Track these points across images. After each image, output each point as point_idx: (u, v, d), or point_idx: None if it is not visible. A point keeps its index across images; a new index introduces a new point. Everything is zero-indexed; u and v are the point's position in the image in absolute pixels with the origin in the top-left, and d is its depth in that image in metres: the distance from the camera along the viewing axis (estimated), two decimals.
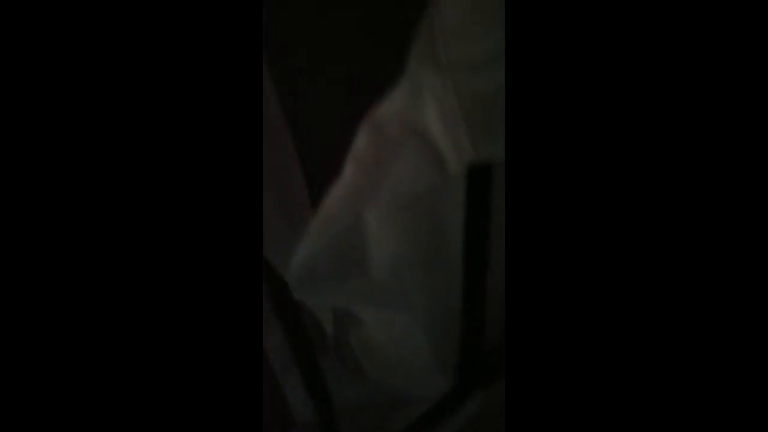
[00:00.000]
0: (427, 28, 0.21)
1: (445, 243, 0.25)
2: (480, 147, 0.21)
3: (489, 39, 0.21)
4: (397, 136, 0.22)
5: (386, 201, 0.23)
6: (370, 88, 0.22)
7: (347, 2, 0.22)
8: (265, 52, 0.22)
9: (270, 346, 0.29)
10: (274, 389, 0.31)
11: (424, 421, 0.30)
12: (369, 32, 0.23)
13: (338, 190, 0.22)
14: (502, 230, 0.24)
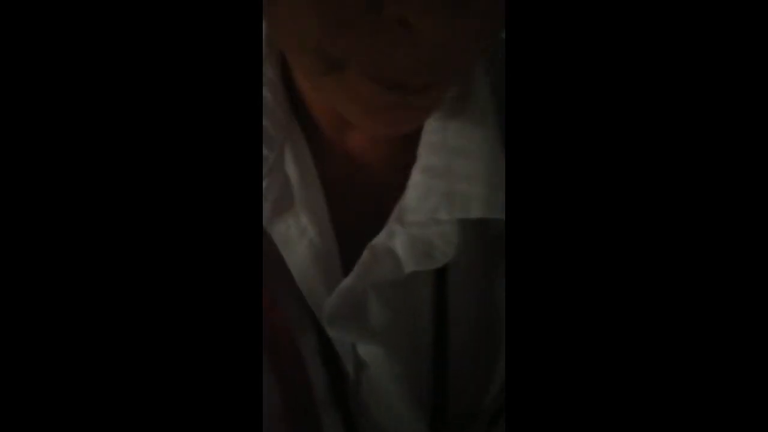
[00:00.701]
0: (398, 205, 0.36)
1: (418, 313, 0.37)
2: (418, 261, 0.35)
3: (427, 209, 0.35)
4: (382, 253, 0.35)
5: (377, 282, 0.35)
6: (371, 233, 0.36)
7: (355, 194, 0.38)
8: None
9: (314, 380, 0.36)
10: (315, 424, 0.36)
11: None
12: (367, 208, 0.37)
13: (354, 275, 0.35)
14: (458, 306, 0.37)
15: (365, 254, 0.35)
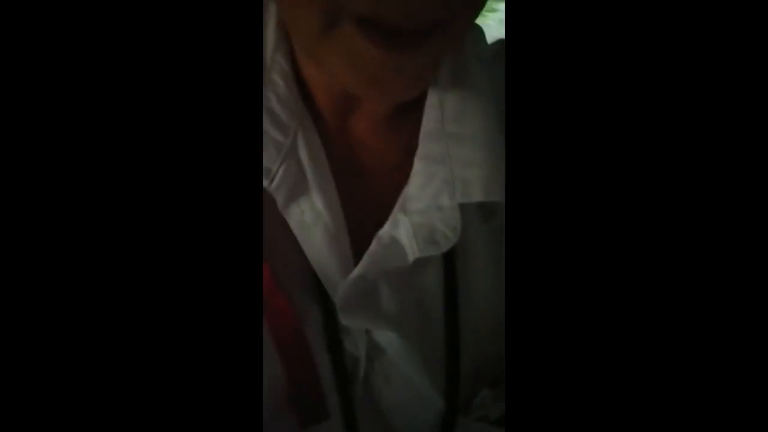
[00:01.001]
0: (402, 194, 0.37)
1: (429, 297, 0.38)
2: (423, 248, 0.36)
3: (429, 196, 0.36)
4: (388, 242, 0.36)
5: (386, 271, 0.37)
6: (378, 217, 0.37)
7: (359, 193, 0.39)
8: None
9: (320, 365, 0.37)
10: (321, 406, 0.37)
11: None
12: (374, 193, 0.39)
13: (363, 264, 0.36)
14: (466, 288, 0.38)
15: (373, 244, 0.37)
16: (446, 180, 0.36)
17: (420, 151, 0.37)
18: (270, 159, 0.35)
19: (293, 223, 0.36)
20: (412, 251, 0.36)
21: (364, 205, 0.39)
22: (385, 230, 0.37)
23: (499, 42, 0.41)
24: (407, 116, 0.38)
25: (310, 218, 0.36)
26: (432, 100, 0.37)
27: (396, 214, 0.37)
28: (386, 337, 0.37)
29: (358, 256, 0.37)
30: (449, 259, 0.38)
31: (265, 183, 0.35)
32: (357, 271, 0.36)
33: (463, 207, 0.36)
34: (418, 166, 0.37)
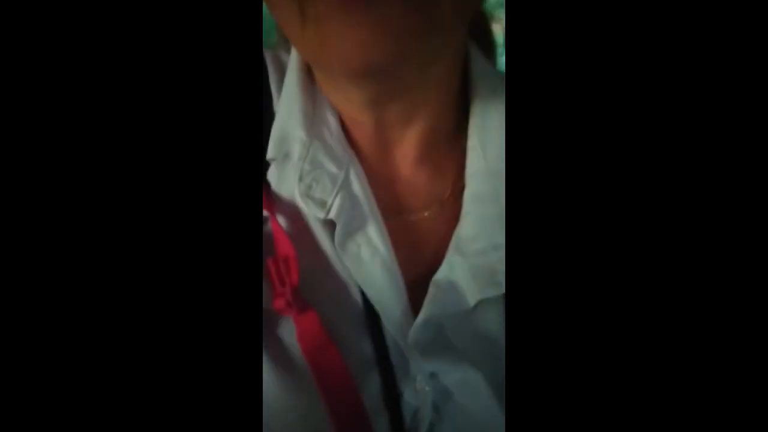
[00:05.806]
0: (455, 236, 0.37)
1: (493, 335, 0.36)
2: (484, 290, 0.35)
3: (485, 236, 0.36)
4: (446, 286, 0.36)
5: (449, 315, 0.35)
6: (426, 261, 0.37)
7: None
8: None
9: (377, 423, 0.34)
10: None
11: None
12: (423, 238, 0.38)
13: (425, 311, 0.35)
14: None
15: (431, 289, 0.36)
16: (499, 217, 0.35)
17: (469, 191, 0.37)
18: (325, 191, 0.35)
19: (350, 260, 0.35)
20: (473, 294, 0.35)
21: (411, 243, 0.38)
22: (441, 274, 0.36)
23: None
24: (448, 155, 0.38)
25: (367, 254, 0.35)
26: (473, 141, 0.37)
27: (451, 256, 0.36)
28: (456, 379, 0.35)
29: (411, 295, 0.36)
30: None
31: (319, 214, 0.34)
32: (423, 315, 0.35)
33: None
34: (468, 206, 0.37)
